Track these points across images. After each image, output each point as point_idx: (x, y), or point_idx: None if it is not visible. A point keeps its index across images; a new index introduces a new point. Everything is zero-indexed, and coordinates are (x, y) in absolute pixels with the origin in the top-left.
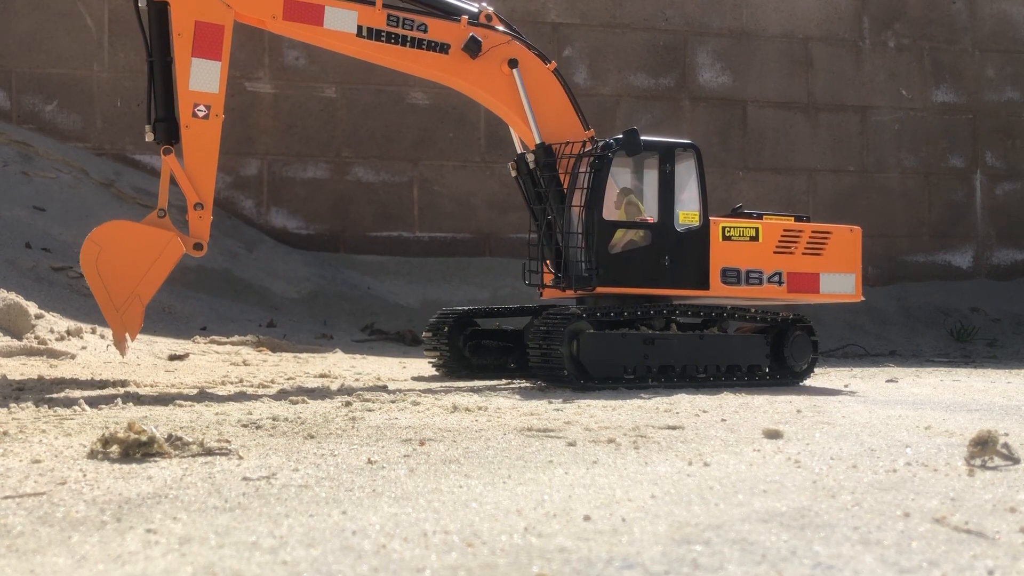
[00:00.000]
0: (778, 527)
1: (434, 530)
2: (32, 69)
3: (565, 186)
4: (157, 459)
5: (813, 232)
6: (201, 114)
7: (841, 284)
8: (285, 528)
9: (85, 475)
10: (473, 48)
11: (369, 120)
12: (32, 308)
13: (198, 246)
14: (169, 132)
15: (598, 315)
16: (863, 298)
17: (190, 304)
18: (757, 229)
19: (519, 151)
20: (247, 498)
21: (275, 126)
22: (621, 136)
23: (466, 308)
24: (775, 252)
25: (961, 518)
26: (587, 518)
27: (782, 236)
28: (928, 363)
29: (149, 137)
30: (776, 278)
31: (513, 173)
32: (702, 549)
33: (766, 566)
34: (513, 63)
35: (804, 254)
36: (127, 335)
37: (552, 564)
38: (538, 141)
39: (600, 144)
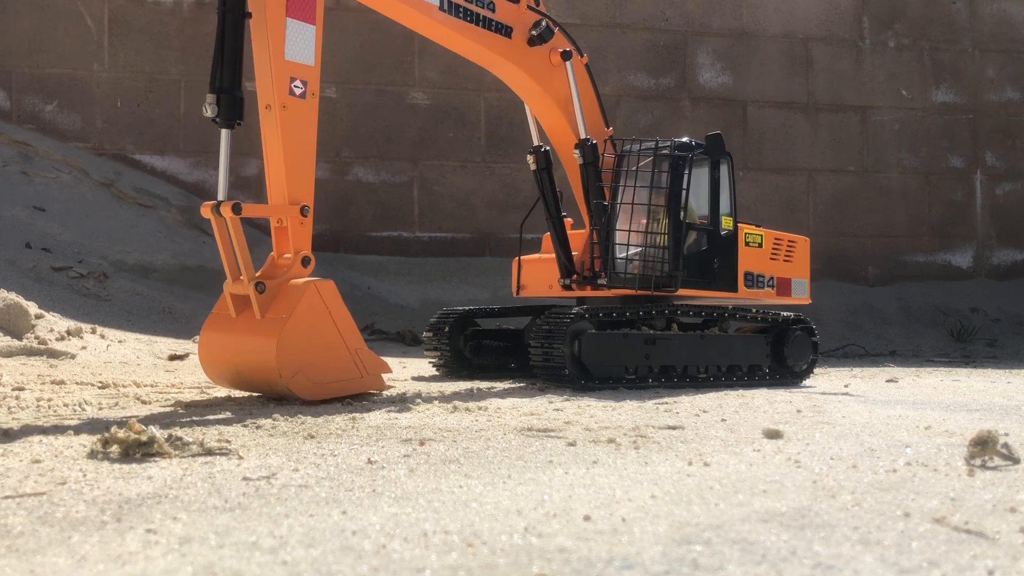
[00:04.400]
0: (778, 527)
1: (434, 530)
2: (32, 69)
3: (606, 183)
4: (157, 459)
5: (788, 241)
6: (298, 91)
7: (801, 288)
8: (285, 528)
9: (85, 475)
10: (546, 36)
11: (369, 120)
12: (32, 308)
13: (306, 260)
14: (234, 108)
15: (600, 315)
16: (811, 301)
17: (190, 304)
18: (762, 236)
19: (536, 143)
20: (247, 498)
21: None
22: (704, 141)
23: (467, 308)
24: (770, 258)
25: (961, 518)
26: (587, 518)
27: (774, 243)
28: (928, 363)
29: (209, 111)
30: (771, 282)
31: (532, 167)
32: (702, 549)
33: (766, 566)
34: (566, 55)
35: (784, 261)
36: (382, 374)
37: (552, 564)
38: (583, 136)
39: (678, 144)
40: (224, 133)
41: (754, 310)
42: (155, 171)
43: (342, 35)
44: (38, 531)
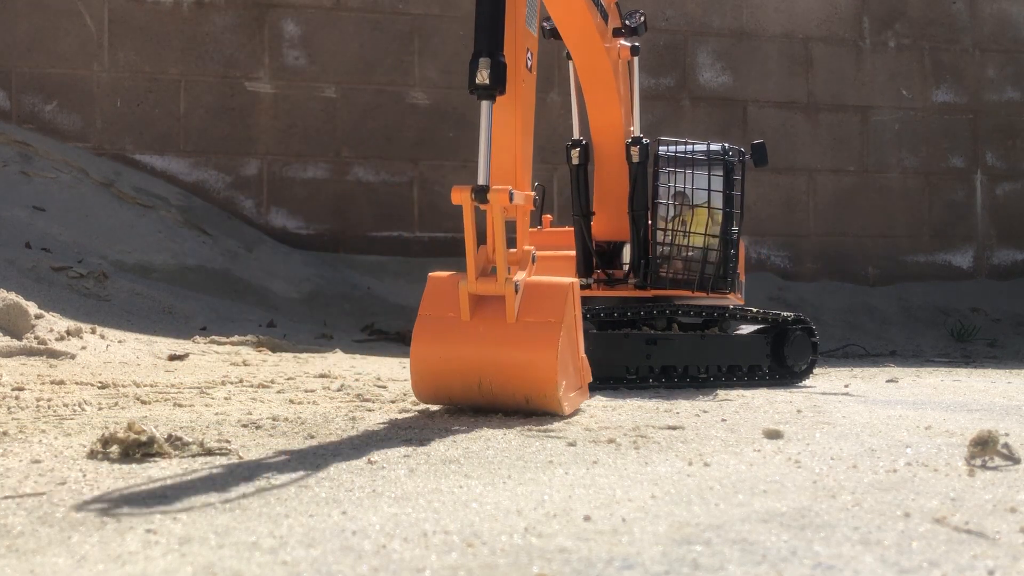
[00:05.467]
0: (778, 527)
1: (434, 530)
2: (32, 69)
3: (655, 182)
4: (157, 459)
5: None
6: (529, 63)
7: (743, 289)
8: (285, 528)
9: (85, 475)
10: (640, 31)
11: (369, 120)
12: (32, 308)
13: (534, 257)
14: (501, 76)
15: (602, 315)
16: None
17: (190, 304)
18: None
19: (576, 137)
20: (247, 498)
21: (275, 126)
22: (751, 149)
23: None
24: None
25: (961, 518)
26: (587, 518)
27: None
28: (928, 363)
29: (487, 77)
30: (740, 284)
31: (575, 161)
32: (702, 549)
33: (766, 566)
34: (636, 50)
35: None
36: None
37: (552, 564)
38: (638, 134)
39: (731, 148)
40: (485, 105)
41: (753, 310)
42: (155, 171)
43: (342, 35)
44: (38, 531)
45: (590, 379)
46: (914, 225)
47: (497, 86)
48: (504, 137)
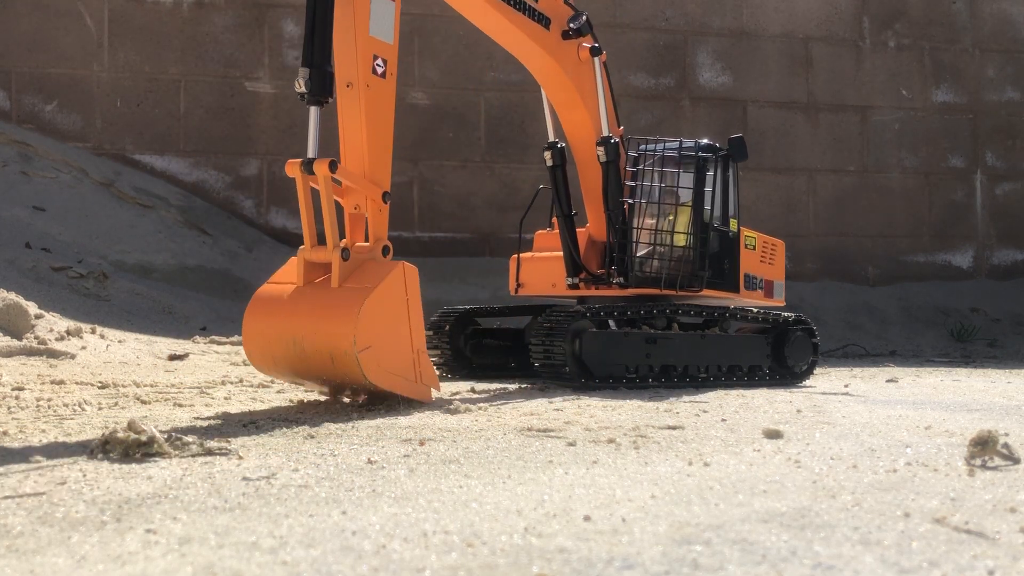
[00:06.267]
0: (778, 527)
1: (434, 530)
2: (32, 69)
3: (625, 181)
4: (157, 459)
5: (773, 244)
6: (379, 70)
7: (780, 291)
8: (285, 528)
9: (85, 475)
10: (584, 31)
11: None
12: (32, 308)
13: (386, 250)
14: (325, 83)
15: (601, 314)
16: (784, 303)
17: (190, 304)
18: (755, 239)
19: (552, 139)
20: (247, 498)
21: (275, 126)
22: (728, 144)
23: (467, 307)
24: (760, 261)
25: (961, 518)
26: (587, 518)
27: (763, 246)
28: (928, 363)
29: (302, 86)
30: (761, 284)
31: (549, 163)
32: (702, 549)
33: (766, 566)
34: (595, 51)
35: (769, 263)
36: (431, 389)
37: (552, 564)
38: (606, 134)
39: (703, 145)
40: (313, 111)
41: (754, 310)
42: (155, 171)
43: None
44: (38, 531)
45: (435, 384)
46: (914, 225)
47: (320, 93)
48: (354, 138)
